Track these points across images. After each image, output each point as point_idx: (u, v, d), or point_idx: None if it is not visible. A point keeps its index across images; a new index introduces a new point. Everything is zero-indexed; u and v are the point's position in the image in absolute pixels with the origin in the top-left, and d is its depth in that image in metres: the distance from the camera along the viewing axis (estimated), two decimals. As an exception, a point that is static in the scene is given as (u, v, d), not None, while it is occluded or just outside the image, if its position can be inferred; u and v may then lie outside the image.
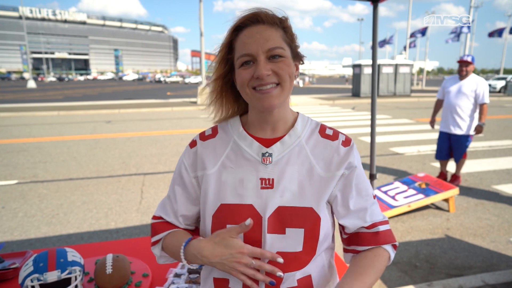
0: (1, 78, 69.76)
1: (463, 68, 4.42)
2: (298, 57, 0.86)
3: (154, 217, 0.95)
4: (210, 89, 0.90)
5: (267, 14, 0.81)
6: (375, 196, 0.90)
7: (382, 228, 0.87)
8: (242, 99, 0.91)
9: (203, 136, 0.92)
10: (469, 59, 4.39)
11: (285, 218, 0.81)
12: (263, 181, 0.83)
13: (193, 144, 0.92)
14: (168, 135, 8.98)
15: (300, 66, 0.89)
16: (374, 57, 2.14)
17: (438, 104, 4.86)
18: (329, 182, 0.83)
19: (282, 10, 0.84)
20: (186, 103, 17.39)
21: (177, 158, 6.45)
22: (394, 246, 0.90)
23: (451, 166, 5.39)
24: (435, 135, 8.53)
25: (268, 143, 0.86)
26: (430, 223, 3.68)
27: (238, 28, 0.82)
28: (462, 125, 4.49)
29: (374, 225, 0.86)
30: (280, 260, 0.77)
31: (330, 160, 0.84)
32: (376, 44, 2.14)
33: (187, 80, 55.62)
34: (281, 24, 0.82)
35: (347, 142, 0.87)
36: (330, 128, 0.90)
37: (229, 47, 0.84)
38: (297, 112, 0.92)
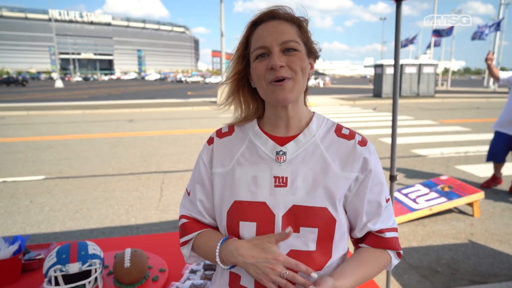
0: (31, 78, 72.79)
1: None
2: (312, 56, 0.87)
3: (182, 217, 0.95)
4: (227, 88, 0.91)
5: (283, 11, 0.83)
6: (388, 200, 0.89)
7: (388, 234, 0.87)
8: (259, 100, 0.92)
9: (219, 134, 0.93)
10: None
11: (299, 217, 0.81)
12: (277, 179, 0.83)
13: (210, 141, 0.94)
14: (188, 134, 9.11)
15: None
16: (396, 57, 2.10)
17: (497, 74, 4.25)
18: (344, 182, 0.83)
19: (304, 9, 0.86)
20: (206, 102, 17.59)
21: (196, 157, 6.53)
22: (398, 254, 0.90)
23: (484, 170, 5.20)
24: (460, 137, 8.26)
25: (282, 141, 0.86)
26: (452, 227, 3.56)
27: (255, 24, 0.84)
28: None
29: (381, 231, 0.87)
30: (314, 275, 0.76)
31: (346, 158, 0.84)
32: (398, 44, 2.10)
33: (207, 80, 56.22)
34: (297, 22, 0.84)
35: (363, 142, 0.87)
36: (347, 128, 0.90)
37: (246, 43, 0.86)
38: (313, 112, 0.92)
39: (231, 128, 0.94)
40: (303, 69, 0.81)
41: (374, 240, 0.88)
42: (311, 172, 0.83)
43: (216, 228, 0.94)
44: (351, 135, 0.87)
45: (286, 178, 0.83)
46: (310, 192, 0.81)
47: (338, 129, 0.89)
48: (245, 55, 0.87)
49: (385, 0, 2.10)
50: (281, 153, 0.85)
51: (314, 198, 0.81)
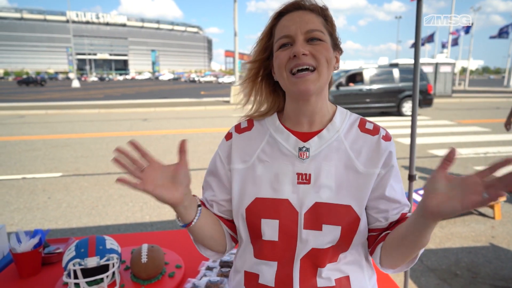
0: (50, 78, 74.58)
1: None
2: (338, 49, 0.85)
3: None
4: (245, 76, 0.89)
5: (309, 2, 0.81)
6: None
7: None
8: (279, 93, 0.90)
9: (238, 129, 0.91)
10: None
11: (322, 214, 0.78)
12: (300, 176, 0.80)
13: (228, 136, 0.91)
14: (201, 133, 9.16)
15: None
16: (416, 56, 2.05)
17: None
18: (369, 179, 0.80)
19: (321, 0, 0.83)
20: (219, 102, 17.65)
21: (210, 155, 6.56)
22: None
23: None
24: (479, 138, 8.05)
25: (305, 137, 0.83)
26: (472, 230, 3.46)
27: (280, 15, 0.82)
28: None
29: (403, 214, 0.83)
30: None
31: (371, 154, 0.81)
32: (419, 43, 2.05)
33: (220, 80, 56.47)
34: (323, 12, 0.81)
35: (387, 137, 0.84)
36: (370, 122, 0.86)
37: (270, 33, 0.84)
38: (336, 106, 0.89)
39: (250, 123, 0.91)
40: (328, 60, 0.78)
41: (398, 224, 0.82)
42: (334, 169, 0.80)
43: (224, 220, 0.92)
44: (375, 129, 0.84)
45: (310, 175, 0.80)
46: (334, 190, 0.79)
47: (362, 123, 0.85)
48: (268, 46, 0.85)
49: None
50: (304, 149, 0.82)
51: (338, 195, 0.79)
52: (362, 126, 0.85)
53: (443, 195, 0.63)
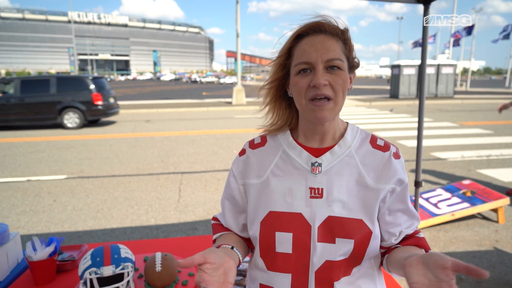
0: (51, 78, 74.66)
1: None
2: (353, 69, 0.87)
3: (213, 218, 1.02)
4: (264, 92, 0.92)
5: (329, 25, 0.81)
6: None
7: (421, 234, 0.90)
8: (292, 108, 0.92)
9: (252, 145, 0.94)
10: None
11: (335, 228, 0.81)
12: (312, 191, 0.83)
13: (242, 152, 0.94)
14: (204, 135, 9.18)
15: None
16: (423, 58, 2.08)
17: None
18: (378, 194, 0.83)
19: (342, 20, 0.84)
20: (221, 103, 17.68)
21: (213, 157, 6.58)
22: None
23: (498, 174, 5.05)
24: (482, 140, 8.05)
25: (317, 152, 0.86)
26: (476, 234, 3.48)
27: (300, 36, 0.83)
28: None
29: (416, 232, 0.90)
30: None
31: (381, 171, 0.84)
32: (426, 46, 2.07)
33: (222, 81, 56.55)
34: (342, 36, 0.82)
35: (397, 154, 0.87)
36: (381, 138, 0.90)
37: (288, 53, 0.85)
38: (347, 122, 0.92)
39: (263, 139, 0.94)
40: (344, 90, 0.81)
41: (410, 241, 0.88)
42: (346, 183, 0.83)
43: (240, 237, 0.96)
44: (386, 146, 0.87)
45: (322, 189, 0.83)
46: (346, 204, 0.81)
47: (373, 140, 0.88)
48: (285, 65, 0.86)
49: (408, 3, 2.08)
50: (316, 164, 0.84)
51: (350, 209, 0.81)
52: (373, 142, 0.88)
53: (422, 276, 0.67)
